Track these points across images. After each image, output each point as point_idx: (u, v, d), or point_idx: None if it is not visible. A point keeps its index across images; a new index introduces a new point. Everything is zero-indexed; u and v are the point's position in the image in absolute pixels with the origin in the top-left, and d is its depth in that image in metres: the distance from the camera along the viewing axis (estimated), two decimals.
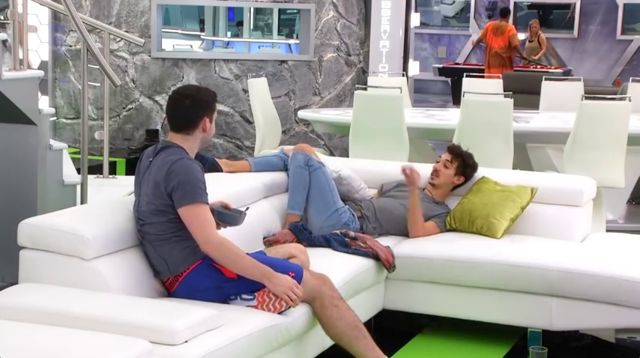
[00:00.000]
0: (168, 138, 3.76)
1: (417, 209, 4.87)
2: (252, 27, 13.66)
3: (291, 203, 4.78)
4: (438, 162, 5.14)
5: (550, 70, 13.14)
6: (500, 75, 9.96)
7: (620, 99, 6.88)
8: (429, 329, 4.87)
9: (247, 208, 3.94)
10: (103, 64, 5.35)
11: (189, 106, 3.70)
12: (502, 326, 4.61)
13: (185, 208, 3.55)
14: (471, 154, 5.16)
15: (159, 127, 9.44)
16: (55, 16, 9.13)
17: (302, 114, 7.87)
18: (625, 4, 15.82)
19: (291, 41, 11.85)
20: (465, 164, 5.11)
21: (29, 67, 5.20)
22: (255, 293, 3.60)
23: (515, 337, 4.66)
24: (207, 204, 3.61)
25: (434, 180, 5.12)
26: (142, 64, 9.38)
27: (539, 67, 13.54)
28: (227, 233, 3.76)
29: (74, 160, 5.68)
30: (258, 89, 7.51)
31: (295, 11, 11.59)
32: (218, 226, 3.80)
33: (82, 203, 5.20)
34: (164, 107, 9.39)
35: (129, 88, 9.38)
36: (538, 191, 5.01)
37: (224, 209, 3.82)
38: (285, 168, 5.00)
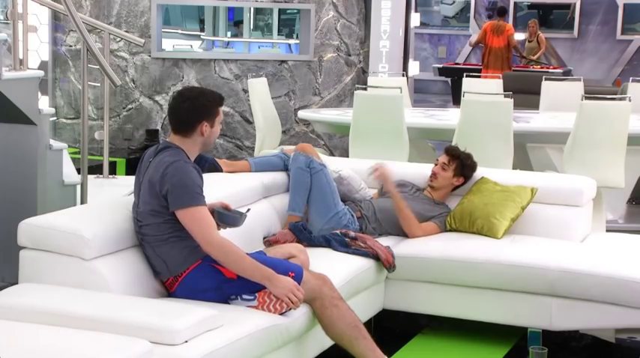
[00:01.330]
0: (169, 138, 3.76)
1: (402, 209, 4.86)
2: (252, 27, 13.66)
3: (292, 204, 4.78)
4: (436, 164, 5.13)
5: (550, 70, 13.14)
6: (501, 75, 9.96)
7: (620, 99, 6.88)
8: (429, 329, 4.87)
9: (248, 210, 3.93)
10: (103, 64, 5.35)
11: (187, 109, 3.69)
12: (502, 326, 4.61)
13: (181, 212, 3.55)
14: (469, 155, 5.15)
15: (159, 127, 9.45)
16: (55, 16, 9.13)
17: (302, 114, 7.87)
18: (625, 4, 15.82)
19: (291, 41, 11.85)
20: (463, 165, 5.10)
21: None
22: (256, 294, 3.59)
23: (515, 337, 4.66)
24: (205, 205, 3.60)
25: (433, 183, 5.12)
26: (142, 64, 9.38)
27: (539, 67, 13.53)
28: (226, 233, 3.76)
29: (74, 160, 5.67)
30: (258, 89, 7.51)
31: (295, 11, 11.60)
32: (218, 227, 3.79)
33: (82, 203, 5.20)
34: (164, 107, 9.40)
35: (129, 88, 9.38)
36: (538, 191, 5.01)
37: (224, 210, 3.82)
38: (286, 168, 5.00)
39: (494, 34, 12.56)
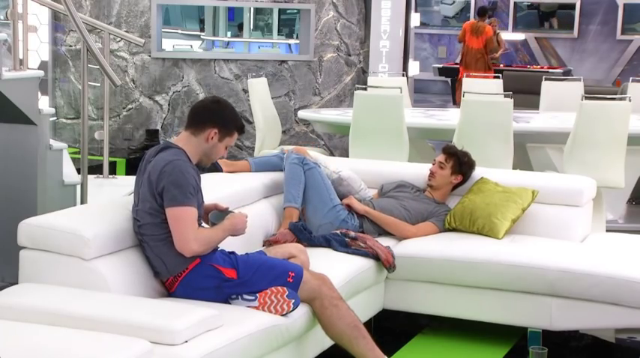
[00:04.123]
0: (176, 137, 3.77)
1: (380, 218, 4.89)
2: (252, 27, 13.66)
3: (287, 196, 4.78)
4: (433, 163, 5.14)
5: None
6: (501, 76, 9.96)
7: (620, 99, 6.88)
8: (429, 329, 4.87)
9: (231, 211, 3.88)
10: (103, 64, 5.35)
11: (209, 109, 3.75)
12: (502, 326, 4.61)
13: (170, 209, 3.55)
14: (466, 152, 5.16)
15: (159, 127, 9.45)
16: (55, 16, 9.14)
17: (302, 114, 7.87)
18: (625, 4, 15.81)
19: (291, 41, 11.85)
20: (460, 162, 5.11)
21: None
22: (257, 295, 3.60)
23: (515, 337, 4.66)
24: (193, 206, 3.58)
25: (431, 181, 5.12)
26: (142, 64, 9.38)
27: (501, 65, 13.57)
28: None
29: (74, 160, 5.68)
30: (258, 89, 7.51)
31: (295, 11, 11.59)
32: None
33: (82, 203, 5.20)
34: (164, 107, 9.41)
35: (129, 88, 9.38)
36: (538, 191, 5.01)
37: (219, 212, 3.81)
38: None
39: (472, 34, 12.52)
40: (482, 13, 13.00)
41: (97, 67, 5.80)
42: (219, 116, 3.74)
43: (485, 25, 12.56)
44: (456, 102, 12.87)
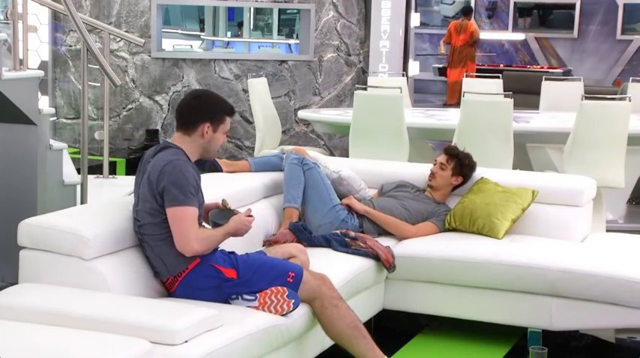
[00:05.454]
0: (172, 137, 3.77)
1: (380, 218, 4.89)
2: (252, 27, 13.67)
3: (287, 197, 4.78)
4: (434, 164, 5.14)
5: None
6: (502, 75, 9.97)
7: (620, 99, 6.88)
8: (429, 329, 4.87)
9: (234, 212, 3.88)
10: (103, 64, 5.35)
11: (193, 106, 3.72)
12: (502, 326, 4.61)
13: (170, 209, 3.55)
14: (467, 154, 5.16)
15: (159, 127, 9.45)
16: (55, 16, 9.14)
17: (302, 114, 7.87)
18: (625, 4, 15.80)
19: (291, 41, 11.86)
20: (461, 164, 5.10)
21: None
22: (257, 295, 3.59)
23: (515, 337, 4.66)
24: (194, 206, 3.58)
25: (431, 182, 5.12)
26: (142, 64, 9.38)
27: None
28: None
29: (74, 160, 5.68)
30: (258, 89, 7.51)
31: (295, 11, 11.60)
32: (216, 226, 3.79)
33: (82, 203, 5.20)
34: (164, 107, 9.41)
35: (129, 88, 9.38)
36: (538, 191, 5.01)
37: (220, 210, 3.80)
38: None
39: (457, 32, 12.61)
40: (466, 12, 13.12)
41: (97, 67, 5.80)
42: (206, 110, 3.71)
43: (467, 23, 12.68)
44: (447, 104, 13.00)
